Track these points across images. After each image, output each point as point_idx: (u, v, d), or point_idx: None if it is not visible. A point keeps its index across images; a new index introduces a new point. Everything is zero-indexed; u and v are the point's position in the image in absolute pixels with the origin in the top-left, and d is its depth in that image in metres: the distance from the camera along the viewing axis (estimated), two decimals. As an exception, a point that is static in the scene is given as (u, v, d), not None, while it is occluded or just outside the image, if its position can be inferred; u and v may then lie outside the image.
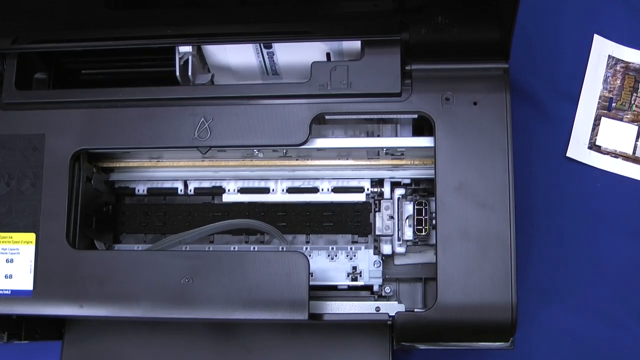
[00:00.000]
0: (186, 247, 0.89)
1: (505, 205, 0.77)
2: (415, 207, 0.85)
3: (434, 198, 0.80)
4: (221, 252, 0.84)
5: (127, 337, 0.87)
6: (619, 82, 1.01)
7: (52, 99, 0.85)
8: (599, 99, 1.01)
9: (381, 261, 0.86)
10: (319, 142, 0.83)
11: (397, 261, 0.88)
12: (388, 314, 0.79)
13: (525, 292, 0.94)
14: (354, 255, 0.87)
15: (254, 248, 0.88)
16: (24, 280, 0.81)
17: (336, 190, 0.89)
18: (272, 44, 0.87)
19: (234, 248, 0.88)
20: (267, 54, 0.87)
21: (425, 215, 0.84)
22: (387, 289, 0.86)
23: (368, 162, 0.87)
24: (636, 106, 1.00)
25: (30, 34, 0.86)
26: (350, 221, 0.88)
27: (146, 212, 0.91)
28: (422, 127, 0.85)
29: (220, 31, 0.84)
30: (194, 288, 0.78)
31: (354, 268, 0.86)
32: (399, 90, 0.80)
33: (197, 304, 0.78)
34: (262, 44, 0.86)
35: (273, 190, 0.89)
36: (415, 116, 0.82)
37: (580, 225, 0.98)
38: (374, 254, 0.87)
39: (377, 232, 0.87)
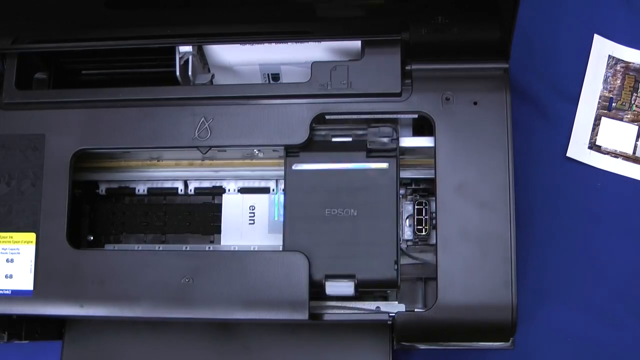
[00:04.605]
0: (186, 247, 0.89)
1: (505, 205, 0.77)
2: (416, 207, 0.85)
3: (434, 198, 0.80)
4: (221, 252, 0.84)
5: (127, 337, 0.87)
6: (619, 82, 1.01)
7: (52, 99, 0.85)
8: (599, 99, 1.01)
9: (381, 261, 0.86)
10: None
11: (397, 261, 0.87)
12: (388, 313, 0.79)
13: (525, 292, 0.94)
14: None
15: (254, 248, 0.88)
16: (24, 280, 0.81)
17: (336, 190, 0.89)
18: (280, 74, 0.88)
19: (234, 248, 0.88)
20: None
21: (426, 215, 0.84)
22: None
23: (368, 162, 0.87)
24: (636, 106, 1.00)
25: (30, 34, 0.86)
26: None
27: (146, 212, 0.91)
28: (422, 127, 0.85)
29: (220, 31, 0.84)
30: (194, 288, 0.78)
31: (354, 268, 0.86)
32: (399, 90, 0.80)
33: (197, 304, 0.78)
34: (270, 75, 0.89)
35: (273, 190, 0.89)
36: (416, 116, 0.82)
37: (580, 225, 0.98)
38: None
39: (378, 232, 0.87)
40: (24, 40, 0.86)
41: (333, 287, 0.79)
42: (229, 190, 0.90)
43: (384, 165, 0.82)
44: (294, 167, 0.82)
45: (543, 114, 1.01)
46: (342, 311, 0.81)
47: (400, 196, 0.87)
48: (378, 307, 0.81)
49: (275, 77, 0.90)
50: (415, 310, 0.79)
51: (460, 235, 0.77)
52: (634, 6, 1.03)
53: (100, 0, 0.82)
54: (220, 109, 0.82)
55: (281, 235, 0.88)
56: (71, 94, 0.85)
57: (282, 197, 0.89)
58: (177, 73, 0.85)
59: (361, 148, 0.82)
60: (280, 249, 0.85)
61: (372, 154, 0.82)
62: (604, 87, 1.01)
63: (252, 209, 0.89)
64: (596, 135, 1.00)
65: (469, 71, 0.81)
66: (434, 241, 0.79)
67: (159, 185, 0.91)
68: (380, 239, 0.80)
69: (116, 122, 0.83)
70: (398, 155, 0.82)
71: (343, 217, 0.81)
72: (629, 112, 1.00)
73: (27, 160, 0.83)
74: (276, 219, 0.89)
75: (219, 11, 0.85)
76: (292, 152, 0.82)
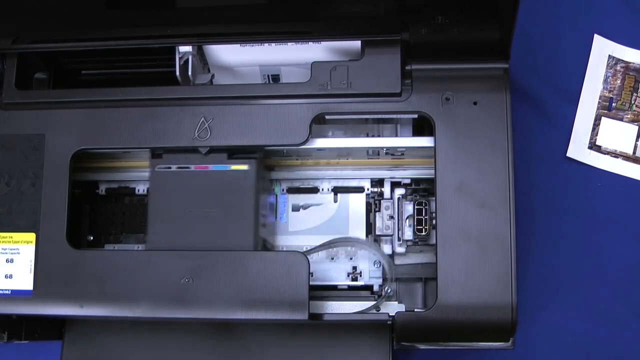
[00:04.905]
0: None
1: (505, 205, 0.77)
2: (415, 207, 0.85)
3: (434, 198, 0.80)
4: (221, 252, 0.83)
5: (127, 337, 0.87)
6: (619, 82, 1.01)
7: (52, 99, 0.85)
8: (599, 99, 1.01)
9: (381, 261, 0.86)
10: (319, 142, 0.83)
11: (397, 261, 0.88)
12: (388, 314, 0.79)
13: (525, 292, 0.94)
14: (354, 255, 0.87)
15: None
16: (24, 280, 0.81)
17: (336, 190, 0.89)
18: (280, 75, 0.89)
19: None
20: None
21: (426, 215, 0.84)
22: (387, 289, 0.86)
23: (368, 162, 0.87)
24: (636, 106, 1.00)
25: (30, 34, 0.86)
26: None
27: (146, 212, 0.91)
28: (422, 127, 0.85)
29: (220, 31, 0.84)
30: (194, 288, 0.78)
31: (354, 268, 0.87)
32: (399, 90, 0.80)
33: (197, 304, 0.78)
34: (270, 76, 0.89)
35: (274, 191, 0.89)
36: (415, 116, 0.82)
37: (580, 225, 0.98)
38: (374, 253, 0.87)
39: (377, 232, 0.87)
40: (24, 40, 0.86)
41: None
42: (229, 190, 0.90)
43: (244, 166, 0.82)
44: (157, 168, 0.83)
45: (543, 114, 1.01)
46: (342, 311, 0.81)
47: (400, 196, 0.87)
48: (378, 307, 0.81)
49: (276, 78, 0.90)
50: (415, 310, 0.79)
51: (460, 235, 0.77)
52: (634, 6, 1.03)
53: (100, 0, 0.82)
54: (220, 109, 0.82)
55: (282, 236, 0.89)
56: (71, 94, 0.85)
57: (283, 197, 0.89)
58: (177, 73, 0.85)
59: (224, 149, 0.82)
60: (281, 249, 0.86)
61: (234, 155, 0.82)
62: (604, 87, 1.01)
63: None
64: (596, 135, 1.00)
65: (469, 71, 0.81)
66: (434, 241, 0.79)
67: (159, 185, 0.91)
68: (239, 240, 0.80)
69: (116, 122, 0.83)
70: (260, 157, 0.83)
71: (205, 217, 0.81)
72: (629, 112, 1.00)
73: (27, 160, 0.83)
74: (277, 220, 0.89)
75: (219, 11, 0.85)
76: (156, 153, 0.83)
